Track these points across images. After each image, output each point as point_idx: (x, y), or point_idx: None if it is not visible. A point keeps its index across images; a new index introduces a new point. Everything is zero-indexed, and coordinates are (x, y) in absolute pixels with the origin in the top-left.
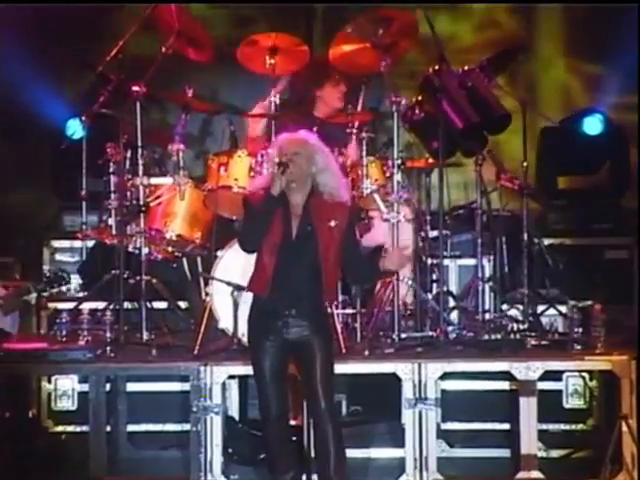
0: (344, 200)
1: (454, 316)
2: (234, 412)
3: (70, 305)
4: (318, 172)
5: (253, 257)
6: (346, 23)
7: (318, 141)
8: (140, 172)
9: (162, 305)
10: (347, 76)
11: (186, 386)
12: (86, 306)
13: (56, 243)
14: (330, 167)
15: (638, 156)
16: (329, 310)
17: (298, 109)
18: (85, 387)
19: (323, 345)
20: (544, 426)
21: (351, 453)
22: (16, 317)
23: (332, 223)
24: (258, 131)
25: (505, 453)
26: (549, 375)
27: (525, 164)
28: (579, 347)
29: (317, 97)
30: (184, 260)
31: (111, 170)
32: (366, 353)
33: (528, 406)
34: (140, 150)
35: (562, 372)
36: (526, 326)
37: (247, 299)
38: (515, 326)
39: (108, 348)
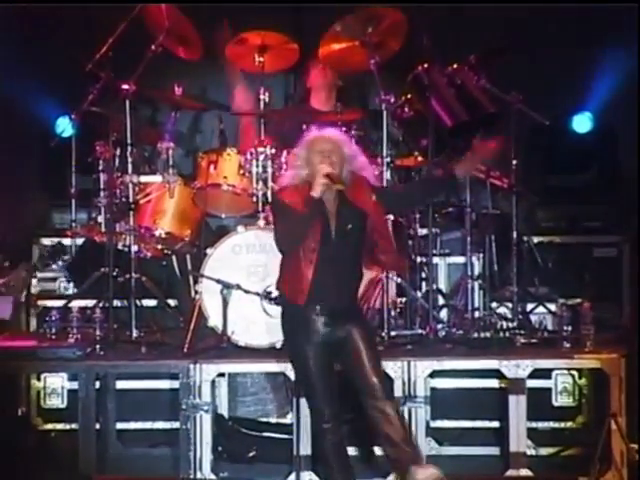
0: (362, 178)
1: (443, 314)
2: (224, 410)
3: (60, 303)
4: (351, 168)
5: (242, 255)
6: (335, 20)
7: (346, 138)
8: (130, 170)
9: (152, 303)
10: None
11: (175, 384)
12: (75, 304)
13: (45, 241)
14: (358, 157)
15: (638, 155)
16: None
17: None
18: (75, 385)
19: (366, 336)
20: (533, 424)
21: None
22: (9, 302)
23: (374, 197)
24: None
25: (494, 451)
26: (538, 373)
27: (514, 162)
28: (568, 345)
29: (309, 89)
30: (173, 258)
31: (100, 168)
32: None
33: (517, 404)
34: (129, 148)
35: (551, 370)
36: (515, 324)
37: (236, 297)
38: (504, 324)
39: (98, 346)
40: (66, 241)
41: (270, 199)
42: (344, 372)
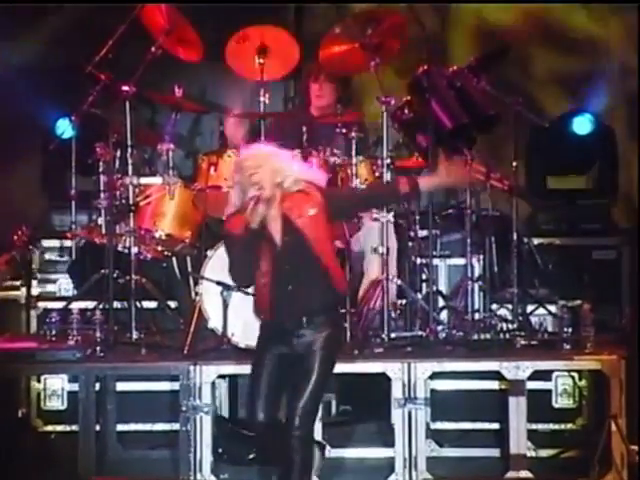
0: (309, 184)
1: (444, 316)
2: (224, 412)
3: (60, 305)
4: (285, 178)
5: None
6: (336, 22)
7: (273, 148)
8: (130, 172)
9: (152, 305)
10: (337, 76)
11: (176, 386)
12: (76, 306)
13: (45, 242)
14: (291, 164)
15: (638, 155)
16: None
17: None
18: (75, 387)
19: (325, 350)
20: (533, 426)
21: (340, 453)
22: None
23: (312, 212)
24: (239, 140)
25: (494, 453)
26: (538, 375)
27: (514, 164)
28: (568, 347)
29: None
30: (174, 260)
31: (100, 169)
32: (355, 353)
33: (517, 406)
34: (130, 150)
35: (551, 372)
36: (515, 326)
37: (237, 298)
38: (504, 326)
39: (98, 348)
40: (66, 243)
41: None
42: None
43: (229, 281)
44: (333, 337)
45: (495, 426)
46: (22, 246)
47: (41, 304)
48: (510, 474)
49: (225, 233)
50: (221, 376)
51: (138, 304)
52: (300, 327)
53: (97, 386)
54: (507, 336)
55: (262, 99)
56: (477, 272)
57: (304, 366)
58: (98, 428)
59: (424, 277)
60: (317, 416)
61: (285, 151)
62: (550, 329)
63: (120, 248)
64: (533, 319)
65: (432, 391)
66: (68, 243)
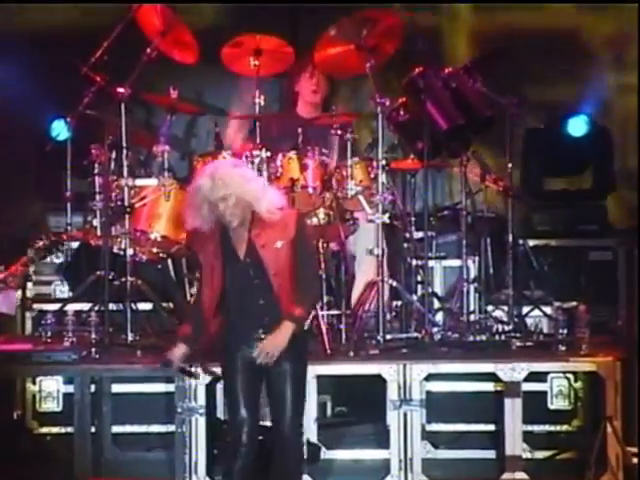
0: (285, 213)
1: (439, 317)
2: (219, 413)
3: (55, 306)
4: (251, 200)
5: None
6: (331, 23)
7: (235, 166)
8: (125, 173)
9: (147, 306)
10: (330, 76)
11: (171, 387)
12: (71, 307)
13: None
14: (259, 189)
15: (638, 155)
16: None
17: (283, 111)
18: (70, 388)
19: (293, 368)
20: (529, 427)
21: (336, 454)
22: (13, 297)
23: (278, 244)
24: (238, 141)
25: (490, 454)
26: (534, 376)
27: (510, 165)
28: (564, 348)
29: (297, 94)
30: (169, 261)
31: (96, 171)
32: (351, 354)
33: (513, 407)
34: (125, 151)
35: (547, 373)
36: (511, 327)
37: None
38: (500, 327)
39: (93, 349)
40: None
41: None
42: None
43: None
44: (294, 344)
45: (491, 428)
46: (41, 249)
47: (36, 306)
48: (506, 476)
49: (193, 254)
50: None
51: (133, 306)
52: (257, 339)
53: (92, 388)
54: (503, 338)
55: (257, 100)
56: (473, 274)
57: (274, 376)
58: (94, 430)
59: (419, 279)
60: (303, 417)
61: (255, 174)
62: (546, 331)
63: (115, 250)
64: (529, 321)
65: (427, 393)
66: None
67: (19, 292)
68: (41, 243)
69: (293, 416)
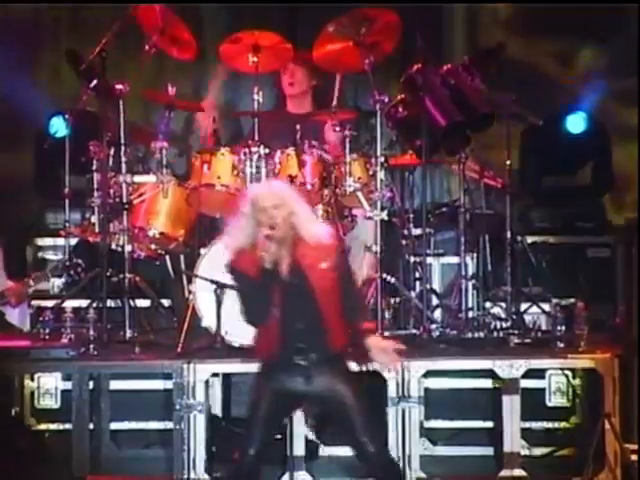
0: (329, 242)
1: (437, 314)
2: (217, 410)
3: (53, 303)
4: (299, 220)
5: None
6: (329, 20)
7: (291, 189)
8: (123, 170)
9: (145, 303)
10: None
11: (169, 384)
12: (69, 304)
13: (39, 241)
14: (309, 213)
15: (638, 156)
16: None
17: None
18: (68, 385)
19: (352, 389)
20: (527, 424)
21: (334, 451)
22: (25, 312)
23: (323, 265)
24: (208, 131)
25: (488, 451)
26: (532, 373)
27: (508, 162)
28: (562, 345)
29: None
30: (167, 258)
31: (94, 168)
32: (349, 351)
33: (511, 404)
34: (123, 148)
35: (545, 370)
36: (509, 324)
37: (230, 297)
38: (498, 324)
39: (91, 346)
40: (60, 241)
41: (228, 270)
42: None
43: (222, 279)
44: (351, 379)
45: (489, 424)
46: (40, 278)
47: (34, 302)
48: (504, 472)
49: (235, 272)
50: (215, 374)
51: (132, 302)
52: (309, 369)
53: (91, 384)
54: (501, 334)
55: (255, 97)
56: (471, 270)
57: (337, 412)
58: (92, 426)
59: (418, 275)
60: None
61: (302, 199)
62: (544, 327)
63: (114, 246)
64: (527, 317)
65: (426, 389)
66: (62, 241)
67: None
68: (40, 274)
69: (372, 433)
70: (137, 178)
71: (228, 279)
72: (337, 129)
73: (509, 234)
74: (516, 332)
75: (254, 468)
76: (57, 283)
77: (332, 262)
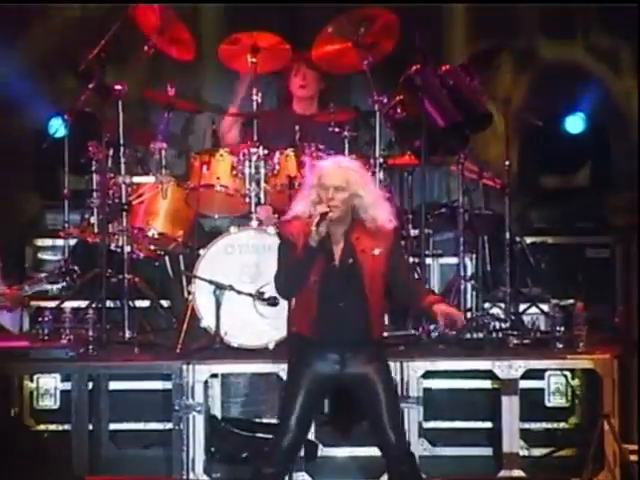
0: (388, 227)
1: None
2: (216, 411)
3: (52, 303)
4: (362, 204)
5: (235, 256)
6: (329, 21)
7: (361, 169)
8: (122, 170)
9: (144, 304)
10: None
11: (168, 385)
12: (68, 305)
13: (38, 241)
14: (374, 197)
15: (638, 156)
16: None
17: (280, 108)
18: (67, 386)
19: (384, 377)
20: (526, 425)
21: (333, 452)
22: (17, 315)
23: (376, 251)
24: (233, 138)
25: (487, 452)
26: (531, 374)
27: (507, 163)
28: (561, 346)
29: (290, 91)
30: (166, 258)
31: (93, 168)
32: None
33: (510, 405)
34: (122, 149)
35: (544, 371)
36: (508, 325)
37: (229, 297)
38: (497, 325)
39: (90, 347)
40: (59, 242)
41: (277, 233)
42: (362, 411)
43: (221, 280)
44: (380, 358)
45: (488, 425)
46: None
47: (34, 303)
48: (503, 473)
49: (282, 237)
50: (214, 375)
51: (131, 303)
52: (346, 351)
53: (90, 385)
54: (500, 335)
55: (255, 98)
56: (470, 271)
57: (366, 398)
58: (91, 427)
59: (416, 276)
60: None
61: (369, 175)
62: (543, 328)
63: (113, 247)
64: (526, 318)
65: (425, 390)
66: (61, 242)
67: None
68: (36, 279)
69: (396, 424)
70: (136, 179)
71: (279, 244)
72: (336, 130)
73: (508, 234)
74: (515, 333)
75: (287, 460)
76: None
77: (387, 248)
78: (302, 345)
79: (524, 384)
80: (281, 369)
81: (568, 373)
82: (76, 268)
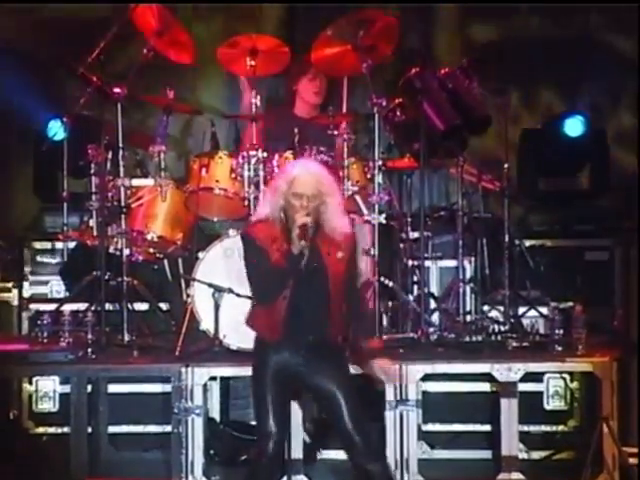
0: (349, 233)
1: (435, 318)
2: (215, 413)
3: (51, 306)
4: (327, 210)
5: (234, 259)
6: (328, 23)
7: (329, 175)
8: (121, 173)
9: (143, 306)
10: (328, 76)
11: (167, 387)
12: (67, 307)
13: (37, 244)
14: (338, 203)
15: (638, 155)
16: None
17: (280, 109)
18: (66, 388)
19: (342, 380)
20: (525, 427)
21: (332, 455)
22: None
23: (339, 255)
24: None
25: (486, 455)
26: (530, 376)
27: (506, 166)
28: (560, 348)
29: (295, 93)
30: (165, 261)
31: (92, 171)
32: (347, 354)
33: (509, 407)
34: (121, 151)
35: (543, 373)
36: (507, 327)
37: (228, 300)
38: (496, 327)
39: (89, 349)
40: (58, 245)
41: (241, 235)
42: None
43: (220, 283)
44: (345, 369)
45: (487, 428)
46: None
47: (33, 306)
48: (502, 476)
49: (248, 241)
50: (213, 378)
51: (130, 306)
52: (308, 352)
53: (89, 388)
54: (499, 338)
55: (254, 101)
56: (469, 274)
57: (327, 401)
58: (90, 430)
59: (416, 279)
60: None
61: (336, 185)
62: (542, 331)
63: (112, 250)
64: (525, 321)
65: (424, 393)
66: (60, 245)
67: None
68: None
69: (358, 424)
70: (135, 181)
71: (247, 251)
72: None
73: (507, 237)
74: (514, 335)
75: (275, 462)
76: (55, 287)
77: (348, 253)
78: (264, 347)
79: (523, 387)
80: None
81: (567, 376)
82: None
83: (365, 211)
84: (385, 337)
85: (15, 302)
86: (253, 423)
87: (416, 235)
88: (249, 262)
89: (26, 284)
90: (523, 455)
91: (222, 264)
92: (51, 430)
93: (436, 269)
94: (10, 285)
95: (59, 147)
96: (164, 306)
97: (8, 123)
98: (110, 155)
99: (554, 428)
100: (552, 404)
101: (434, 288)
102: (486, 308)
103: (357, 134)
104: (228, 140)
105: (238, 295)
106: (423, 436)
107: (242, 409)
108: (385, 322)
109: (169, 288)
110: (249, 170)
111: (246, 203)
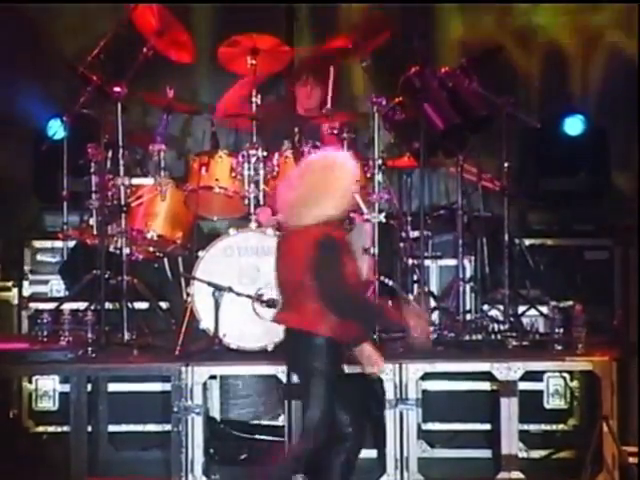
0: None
1: (435, 317)
2: (215, 412)
3: (51, 305)
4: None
5: (234, 258)
6: (327, 22)
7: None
8: (121, 172)
9: (143, 305)
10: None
11: (167, 386)
12: (67, 306)
13: (37, 243)
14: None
15: (638, 156)
16: None
17: (282, 106)
18: (66, 387)
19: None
20: (525, 426)
21: None
22: None
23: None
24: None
25: (486, 454)
26: (530, 375)
27: (506, 165)
28: (560, 348)
29: (295, 97)
30: (165, 260)
31: (92, 170)
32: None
33: (509, 406)
34: (121, 150)
35: (543, 372)
36: (507, 327)
37: (228, 299)
38: (496, 327)
39: (89, 348)
40: (58, 244)
41: (329, 243)
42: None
43: (220, 282)
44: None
45: (486, 427)
46: None
47: (32, 305)
48: (502, 475)
49: (339, 249)
50: (213, 377)
51: (130, 305)
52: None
53: (89, 387)
54: (499, 337)
55: (254, 100)
56: (468, 273)
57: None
58: (90, 429)
59: (415, 278)
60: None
61: None
62: (542, 330)
63: (112, 249)
64: (525, 320)
65: (423, 392)
66: (60, 244)
67: None
68: None
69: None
70: (135, 180)
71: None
72: (334, 132)
73: (507, 236)
74: (514, 334)
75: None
76: (55, 286)
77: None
78: (338, 347)
79: (523, 386)
80: (280, 371)
81: (567, 375)
82: None
83: (365, 210)
84: (385, 335)
85: (15, 301)
86: (253, 422)
87: (416, 234)
88: (339, 270)
89: (26, 283)
90: (523, 454)
91: (222, 263)
92: (51, 429)
93: (436, 268)
94: (10, 284)
95: (59, 146)
96: (164, 305)
97: (8, 122)
98: (110, 154)
99: (554, 427)
100: (552, 403)
101: (434, 287)
102: (486, 307)
103: (357, 133)
104: (228, 139)
105: (238, 294)
106: (423, 435)
107: (242, 408)
108: None
109: (169, 287)
110: (249, 169)
111: (246, 202)
